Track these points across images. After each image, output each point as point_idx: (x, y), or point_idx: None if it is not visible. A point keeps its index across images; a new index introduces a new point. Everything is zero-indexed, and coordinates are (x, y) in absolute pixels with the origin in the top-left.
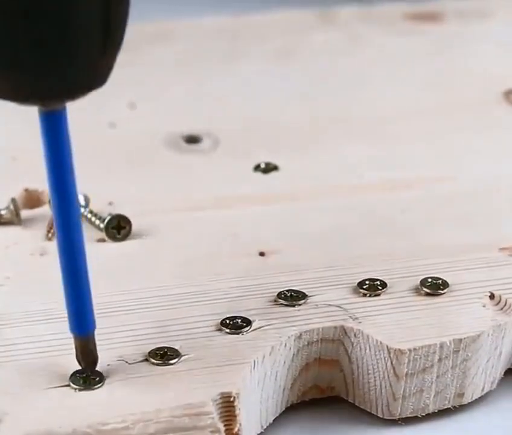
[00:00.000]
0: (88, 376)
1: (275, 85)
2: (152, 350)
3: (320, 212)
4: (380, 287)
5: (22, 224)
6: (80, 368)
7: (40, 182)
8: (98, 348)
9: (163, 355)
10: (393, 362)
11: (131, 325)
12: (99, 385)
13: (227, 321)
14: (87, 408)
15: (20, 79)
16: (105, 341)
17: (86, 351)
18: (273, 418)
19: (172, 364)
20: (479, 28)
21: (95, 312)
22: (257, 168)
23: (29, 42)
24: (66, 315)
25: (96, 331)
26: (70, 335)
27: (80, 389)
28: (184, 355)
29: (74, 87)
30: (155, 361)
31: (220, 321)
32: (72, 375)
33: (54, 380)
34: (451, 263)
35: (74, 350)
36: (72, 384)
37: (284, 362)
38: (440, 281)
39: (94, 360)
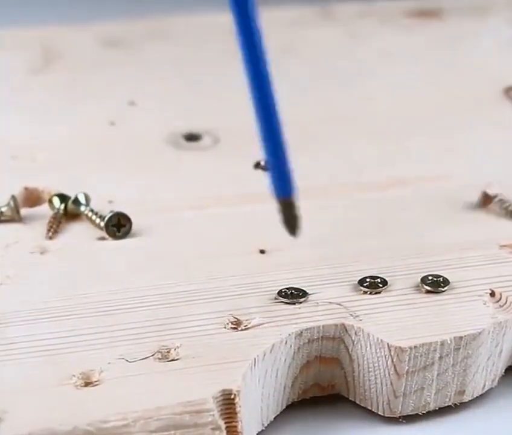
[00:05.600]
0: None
1: (274, 82)
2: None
3: (320, 210)
4: (381, 285)
5: (22, 221)
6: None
7: (40, 180)
8: (98, 346)
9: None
10: (394, 360)
11: (132, 323)
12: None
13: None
14: (88, 406)
15: None
16: (106, 339)
17: (291, 214)
18: (274, 416)
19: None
20: (479, 25)
21: (97, 309)
22: (257, 165)
23: None
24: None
25: (96, 330)
26: (71, 334)
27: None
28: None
29: None
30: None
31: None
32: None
33: (55, 379)
34: (452, 260)
35: (280, 216)
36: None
37: (285, 360)
38: (441, 278)
39: (299, 223)
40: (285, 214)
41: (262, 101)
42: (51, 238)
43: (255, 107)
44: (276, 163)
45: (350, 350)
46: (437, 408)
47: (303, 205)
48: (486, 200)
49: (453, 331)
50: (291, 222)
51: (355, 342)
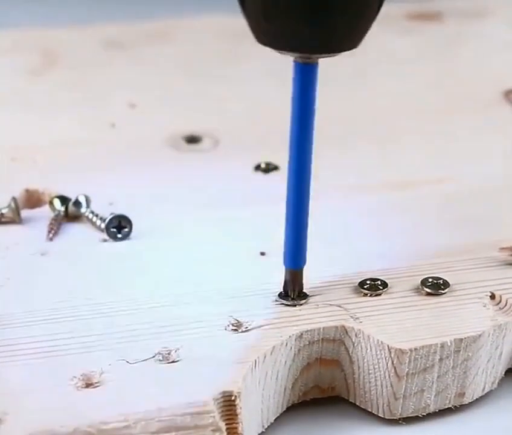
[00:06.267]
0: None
1: (275, 84)
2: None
3: (320, 212)
4: (381, 287)
5: (22, 223)
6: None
7: (40, 182)
8: (99, 347)
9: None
10: (394, 362)
11: (133, 324)
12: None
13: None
14: (89, 407)
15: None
16: (107, 340)
17: (296, 282)
18: (274, 418)
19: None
20: (479, 27)
21: (97, 310)
22: (258, 168)
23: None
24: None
25: (97, 331)
26: (71, 335)
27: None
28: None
29: (353, 43)
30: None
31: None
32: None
33: (55, 380)
34: (452, 263)
35: (284, 281)
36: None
37: (285, 362)
38: (441, 281)
39: (300, 289)
40: (290, 281)
41: (297, 182)
42: (51, 240)
43: (288, 183)
44: (295, 238)
45: (350, 352)
46: (437, 410)
47: None
48: None
49: (453, 333)
50: (293, 288)
51: (355, 344)
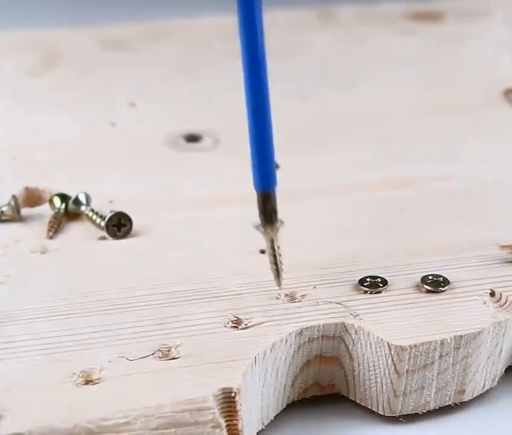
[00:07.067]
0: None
1: (274, 84)
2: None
3: (320, 211)
4: (381, 285)
5: (22, 221)
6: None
7: (40, 180)
8: (99, 344)
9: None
10: (394, 359)
11: (133, 322)
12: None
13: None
14: (88, 404)
15: None
16: (107, 337)
17: (268, 206)
18: (274, 415)
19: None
20: (479, 27)
21: (97, 308)
22: None
23: None
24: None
25: (97, 328)
26: (71, 332)
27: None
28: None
29: None
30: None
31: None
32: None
33: (55, 377)
34: (452, 260)
35: (258, 208)
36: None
37: (285, 359)
38: (441, 278)
39: (275, 212)
40: (262, 206)
41: (255, 91)
42: (51, 237)
43: (246, 97)
44: (261, 156)
45: (350, 349)
46: (437, 408)
47: (304, 205)
48: None
49: (453, 330)
50: (267, 214)
51: (355, 341)
